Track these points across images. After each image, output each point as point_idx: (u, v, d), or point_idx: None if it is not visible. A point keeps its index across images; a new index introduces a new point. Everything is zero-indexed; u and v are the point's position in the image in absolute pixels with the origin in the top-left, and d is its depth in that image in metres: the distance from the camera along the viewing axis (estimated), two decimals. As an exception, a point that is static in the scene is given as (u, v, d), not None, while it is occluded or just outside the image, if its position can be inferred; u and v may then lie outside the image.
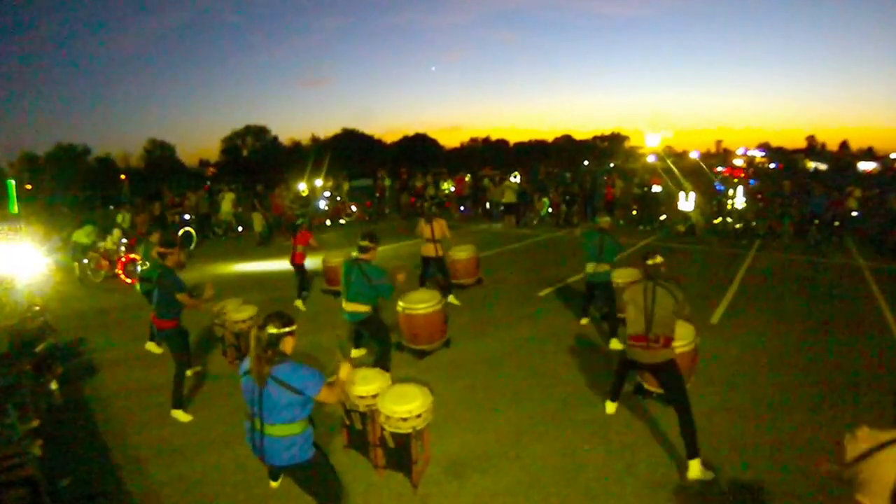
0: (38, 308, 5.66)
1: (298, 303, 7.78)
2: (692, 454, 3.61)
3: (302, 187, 17.86)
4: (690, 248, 11.65)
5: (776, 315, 6.99)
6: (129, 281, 9.77)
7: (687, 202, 13.00)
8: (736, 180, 15.89)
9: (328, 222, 16.93)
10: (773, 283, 8.60)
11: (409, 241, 12.62)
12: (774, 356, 5.67)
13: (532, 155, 65.21)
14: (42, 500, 3.05)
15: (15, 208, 10.68)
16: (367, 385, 3.77)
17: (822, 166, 48.85)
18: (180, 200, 16.19)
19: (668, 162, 22.48)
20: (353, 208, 17.90)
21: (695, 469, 3.57)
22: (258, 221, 14.38)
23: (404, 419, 3.51)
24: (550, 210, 16.02)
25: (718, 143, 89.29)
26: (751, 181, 17.66)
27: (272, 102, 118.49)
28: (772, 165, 52.66)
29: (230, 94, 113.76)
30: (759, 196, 13.70)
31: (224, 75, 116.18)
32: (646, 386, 4.71)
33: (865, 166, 46.59)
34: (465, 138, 79.29)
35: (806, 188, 13.51)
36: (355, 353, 5.83)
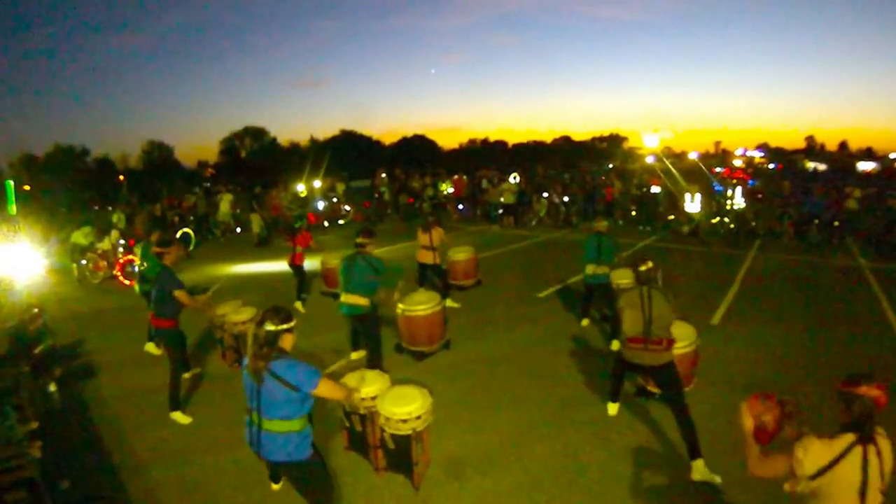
0: (36, 309, 5.64)
1: (298, 304, 7.76)
2: (695, 455, 3.60)
3: (300, 188, 17.85)
4: (689, 248, 11.66)
5: (776, 315, 6.99)
6: (127, 282, 9.75)
7: (693, 203, 12.96)
8: (734, 181, 15.90)
9: (326, 223, 16.91)
10: (774, 284, 8.61)
11: (407, 243, 12.61)
12: (775, 356, 5.67)
13: (531, 156, 65.26)
14: (41, 502, 3.04)
15: (13, 209, 10.67)
16: (366, 387, 3.75)
17: (822, 166, 48.95)
18: (179, 202, 16.17)
19: (667, 163, 22.49)
20: (347, 208, 17.89)
21: (698, 469, 3.57)
22: (256, 222, 14.37)
23: (404, 421, 3.51)
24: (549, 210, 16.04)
25: (717, 143, 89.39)
26: (750, 182, 17.68)
27: (271, 104, 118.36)
28: (771, 166, 52.73)
29: (229, 95, 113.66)
30: (760, 196, 13.71)
31: (223, 77, 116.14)
32: (648, 387, 4.71)
33: (865, 166, 46.68)
34: (464, 139, 79.46)
35: (805, 188, 13.54)
36: (354, 355, 5.81)
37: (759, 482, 3.54)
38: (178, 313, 4.77)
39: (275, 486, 3.62)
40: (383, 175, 20.14)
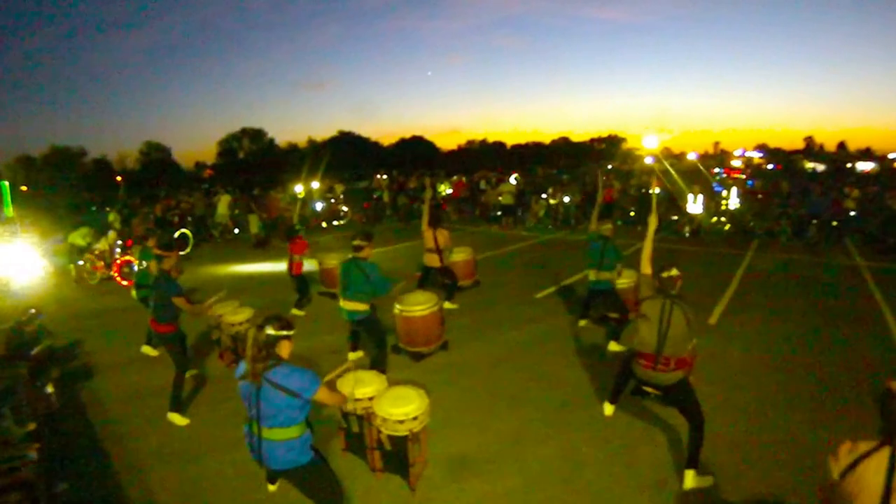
0: (34, 311, 5.63)
1: (295, 310, 7.70)
2: (691, 465, 3.56)
3: (298, 189, 17.85)
4: (688, 248, 11.67)
5: (775, 315, 7.00)
6: (125, 283, 9.74)
7: (695, 204, 12.94)
8: (731, 181, 15.94)
9: (324, 224, 16.91)
10: (772, 284, 8.62)
11: (406, 244, 12.62)
12: (773, 356, 5.68)
13: (530, 157, 65.31)
14: (38, 504, 3.04)
15: (10, 210, 10.65)
16: (363, 387, 3.75)
17: (821, 167, 48.96)
18: (177, 203, 16.16)
19: (666, 164, 22.49)
20: (346, 209, 17.89)
21: (690, 478, 3.53)
22: (254, 223, 14.36)
23: (401, 422, 3.51)
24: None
25: (716, 144, 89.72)
26: (749, 182, 17.70)
27: (269, 105, 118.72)
28: (770, 166, 52.80)
29: (227, 97, 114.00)
30: (760, 196, 13.73)
31: (221, 78, 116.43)
32: (644, 387, 4.70)
33: (864, 166, 46.75)
34: (463, 141, 79.47)
35: (804, 189, 13.57)
36: (352, 355, 5.81)
37: (753, 482, 3.57)
38: (178, 317, 4.76)
39: (271, 488, 3.61)
40: (383, 176, 20.16)
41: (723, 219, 12.80)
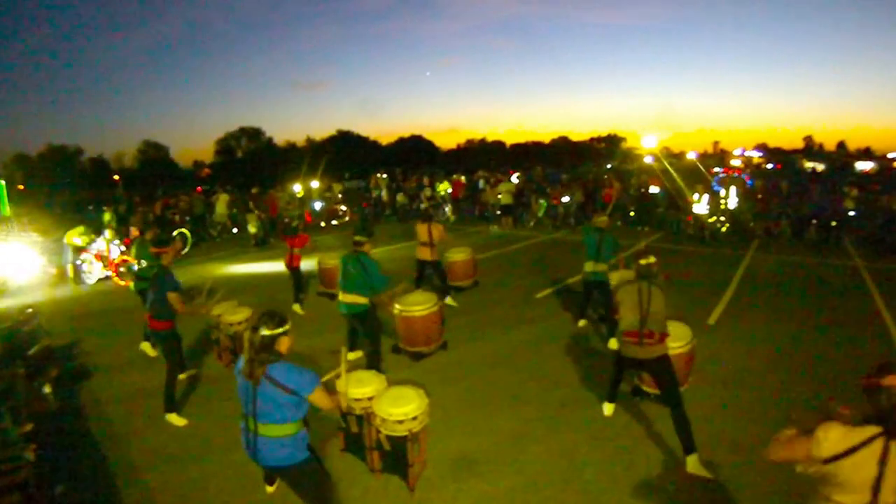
0: (31, 310, 5.61)
1: (296, 307, 7.71)
2: (689, 449, 3.63)
3: (297, 189, 17.84)
4: (687, 249, 11.67)
5: (774, 315, 7.00)
6: (122, 282, 9.71)
7: (700, 204, 12.89)
8: (730, 181, 15.92)
9: (322, 223, 16.90)
10: (771, 284, 8.63)
11: (405, 244, 12.60)
12: (772, 356, 5.68)
13: (529, 156, 65.33)
14: (35, 506, 3.02)
15: (7, 209, 10.61)
16: (362, 387, 3.74)
17: (820, 166, 49.04)
18: (175, 202, 16.12)
19: (666, 163, 22.50)
20: (344, 208, 17.88)
21: (692, 463, 3.60)
22: (253, 223, 14.33)
23: (400, 422, 3.50)
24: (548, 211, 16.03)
25: (716, 143, 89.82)
26: (748, 181, 17.68)
27: (267, 105, 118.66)
28: (769, 166, 52.88)
29: (225, 96, 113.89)
30: (759, 196, 13.72)
31: (219, 78, 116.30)
32: (643, 387, 4.71)
33: (863, 166, 46.86)
34: (462, 140, 79.51)
35: (804, 188, 13.57)
36: (351, 355, 5.79)
37: (754, 482, 3.57)
38: (175, 315, 4.73)
39: (269, 489, 3.60)
40: (382, 175, 20.14)
41: (722, 218, 12.79)
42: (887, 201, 11.55)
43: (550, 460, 3.91)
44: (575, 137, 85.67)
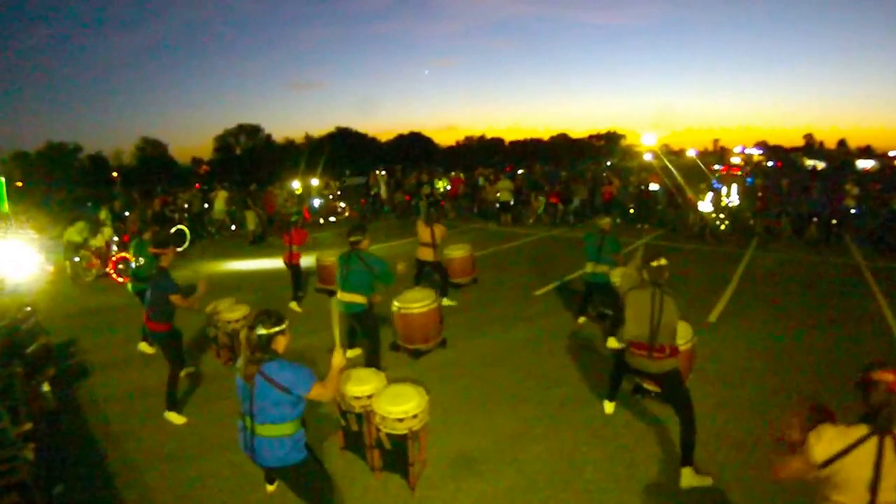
0: (29, 308, 5.57)
1: (293, 304, 7.69)
2: (686, 462, 3.55)
3: (296, 186, 17.79)
4: (688, 246, 11.66)
5: (774, 313, 7.00)
6: (120, 280, 9.68)
7: (705, 203, 12.84)
8: (730, 178, 15.89)
9: (321, 220, 16.86)
10: (771, 282, 8.62)
11: (403, 241, 12.58)
12: (773, 354, 5.67)
13: (528, 153, 65.23)
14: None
15: (5, 207, 10.56)
16: (362, 385, 3.73)
17: (821, 164, 49.04)
18: (173, 199, 16.07)
19: (665, 160, 22.47)
20: (343, 205, 17.84)
21: (687, 477, 3.52)
22: (251, 220, 14.30)
23: (400, 420, 3.48)
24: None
25: (716, 141, 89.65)
26: (748, 179, 17.65)
27: (265, 103, 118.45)
28: (769, 163, 52.84)
29: (223, 93, 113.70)
30: (759, 194, 13.69)
31: (217, 76, 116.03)
32: (644, 385, 4.70)
33: (864, 164, 46.88)
34: (461, 137, 79.32)
35: (804, 186, 13.54)
36: (350, 353, 5.78)
37: (755, 481, 3.56)
38: (173, 315, 4.70)
39: (270, 488, 3.58)
40: (382, 172, 20.08)
41: (721, 215, 12.76)
42: (888, 200, 11.52)
43: (550, 459, 3.90)
44: (574, 135, 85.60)
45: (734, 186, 13.86)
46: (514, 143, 77.38)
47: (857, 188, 12.88)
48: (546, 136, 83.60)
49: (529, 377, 5.29)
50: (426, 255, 7.41)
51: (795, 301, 7.55)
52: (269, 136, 60.37)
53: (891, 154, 54.17)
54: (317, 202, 17.31)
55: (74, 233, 10.34)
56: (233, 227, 15.82)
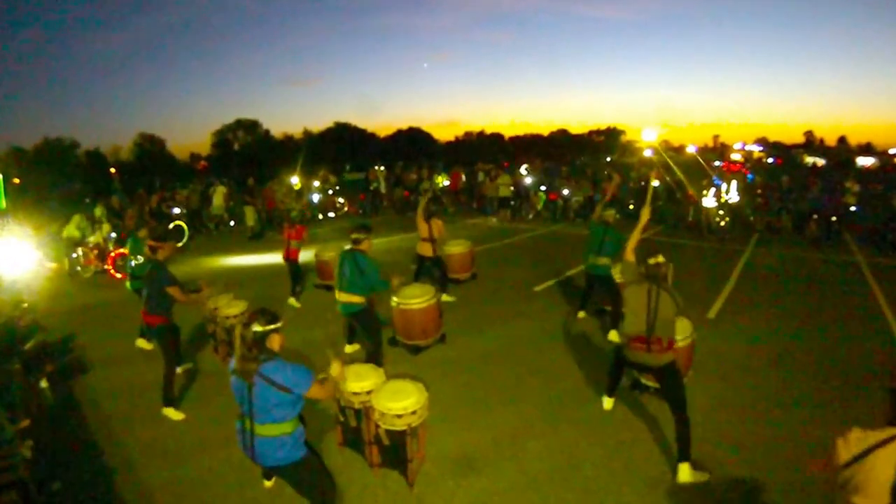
0: (26, 305, 5.56)
1: (292, 300, 7.68)
2: (683, 458, 3.55)
3: (294, 181, 17.72)
4: (687, 242, 11.65)
5: (774, 310, 6.99)
6: (119, 276, 9.65)
7: (708, 199, 12.79)
8: (730, 175, 15.82)
9: (320, 216, 16.82)
10: (771, 279, 8.61)
11: (403, 236, 12.56)
12: (772, 351, 5.67)
13: (528, 149, 65.08)
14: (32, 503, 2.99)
15: (3, 203, 10.51)
16: (361, 381, 3.72)
17: (821, 161, 48.93)
18: (171, 194, 16.02)
19: (666, 156, 22.39)
20: (342, 201, 17.79)
21: (684, 472, 3.52)
22: (250, 215, 14.26)
23: (399, 416, 3.47)
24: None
25: (716, 137, 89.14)
26: (749, 176, 17.59)
27: (263, 97, 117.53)
28: (770, 160, 52.70)
29: (221, 88, 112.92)
30: (760, 191, 13.66)
31: (215, 71, 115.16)
32: (643, 381, 4.69)
33: (864, 161, 46.81)
34: (461, 132, 79.06)
35: (804, 183, 13.51)
36: (348, 348, 5.78)
37: (755, 477, 3.56)
38: (171, 309, 4.69)
39: (267, 484, 3.58)
40: (381, 168, 20.01)
41: (721, 212, 12.72)
42: (889, 199, 11.47)
43: (550, 456, 3.90)
44: (574, 130, 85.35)
45: (734, 183, 13.81)
46: (515, 139, 77.15)
47: (857, 185, 12.85)
48: (546, 132, 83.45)
49: (529, 373, 5.28)
50: (425, 250, 7.40)
51: (795, 298, 7.54)
52: (267, 132, 60.10)
53: (891, 151, 53.98)
54: (315, 198, 17.26)
55: (72, 228, 10.31)
56: (231, 223, 15.78)
